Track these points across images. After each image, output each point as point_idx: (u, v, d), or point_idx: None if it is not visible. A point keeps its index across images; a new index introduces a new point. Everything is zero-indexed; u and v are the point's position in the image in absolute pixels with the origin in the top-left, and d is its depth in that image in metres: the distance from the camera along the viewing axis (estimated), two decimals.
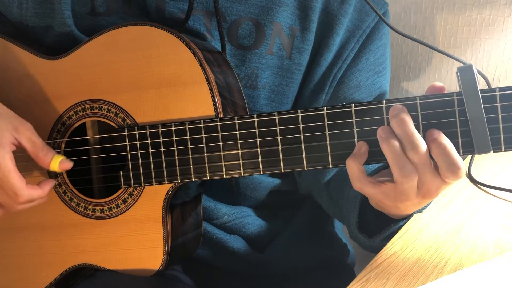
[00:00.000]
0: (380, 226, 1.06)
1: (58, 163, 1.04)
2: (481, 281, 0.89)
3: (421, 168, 0.87)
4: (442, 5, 1.57)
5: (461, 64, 0.91)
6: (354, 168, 0.91)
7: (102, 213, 1.11)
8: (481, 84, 0.87)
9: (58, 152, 1.09)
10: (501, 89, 0.84)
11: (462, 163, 0.86)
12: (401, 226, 1.07)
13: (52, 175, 1.13)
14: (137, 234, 1.09)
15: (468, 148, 0.87)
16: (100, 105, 1.09)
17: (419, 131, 0.88)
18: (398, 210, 0.99)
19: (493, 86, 1.22)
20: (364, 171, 0.92)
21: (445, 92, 0.90)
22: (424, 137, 0.87)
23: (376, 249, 1.11)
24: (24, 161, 1.06)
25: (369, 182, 0.92)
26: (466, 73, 0.85)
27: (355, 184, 0.93)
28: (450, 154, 0.85)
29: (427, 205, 1.10)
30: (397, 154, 0.87)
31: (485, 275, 0.90)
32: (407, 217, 1.06)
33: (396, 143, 0.87)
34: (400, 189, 0.90)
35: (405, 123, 0.86)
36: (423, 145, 0.86)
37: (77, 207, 1.12)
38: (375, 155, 0.92)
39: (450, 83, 1.59)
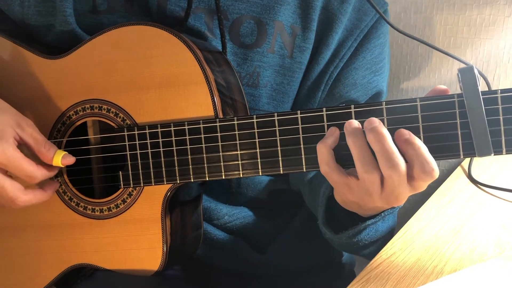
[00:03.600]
0: (348, 223, 1.05)
1: (61, 158, 1.05)
2: (481, 281, 0.89)
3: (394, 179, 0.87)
4: (442, 5, 1.57)
5: (462, 65, 0.91)
6: (324, 151, 0.91)
7: (102, 213, 1.11)
8: (481, 85, 0.86)
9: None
10: (503, 91, 0.84)
11: (435, 163, 0.85)
12: (371, 226, 1.05)
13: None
14: (136, 235, 1.09)
15: (469, 150, 0.86)
16: (100, 105, 1.09)
17: (419, 133, 0.88)
18: (362, 210, 1.00)
19: (493, 86, 1.23)
20: (333, 156, 0.91)
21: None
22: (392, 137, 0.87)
23: (347, 249, 1.14)
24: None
25: (336, 168, 0.91)
26: (467, 75, 0.84)
27: (322, 167, 0.92)
28: (424, 155, 0.84)
29: (398, 207, 1.08)
30: (363, 150, 0.87)
31: (485, 275, 0.91)
32: (376, 217, 1.03)
33: (362, 137, 0.87)
34: (363, 186, 0.89)
35: (383, 138, 0.85)
36: (402, 164, 0.85)
37: (76, 206, 1.12)
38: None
39: (450, 83, 1.59)
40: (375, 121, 0.87)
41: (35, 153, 1.05)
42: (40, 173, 1.04)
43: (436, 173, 0.85)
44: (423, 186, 0.89)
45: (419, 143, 0.85)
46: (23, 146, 1.04)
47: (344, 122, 0.90)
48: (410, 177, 0.87)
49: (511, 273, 0.91)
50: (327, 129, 0.92)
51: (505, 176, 1.35)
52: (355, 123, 0.88)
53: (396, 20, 1.64)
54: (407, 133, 0.86)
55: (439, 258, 1.00)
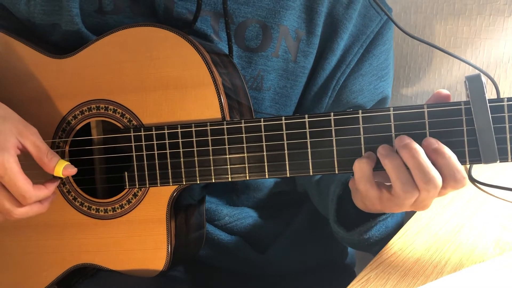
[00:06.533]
0: (359, 221, 1.06)
1: (62, 168, 1.03)
2: (481, 281, 0.89)
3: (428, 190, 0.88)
4: (442, 5, 1.57)
5: (463, 65, 0.91)
6: (366, 168, 0.91)
7: (106, 213, 1.11)
8: (489, 87, 0.87)
9: (63, 152, 1.10)
10: (510, 99, 0.84)
11: (464, 171, 0.86)
12: (381, 221, 1.07)
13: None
14: (140, 235, 1.09)
15: (474, 157, 0.87)
16: (106, 105, 1.09)
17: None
18: (383, 212, 1.01)
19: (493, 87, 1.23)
20: (372, 173, 0.92)
21: (451, 100, 0.90)
22: (420, 146, 0.88)
23: (358, 246, 1.13)
24: (29, 169, 1.05)
25: (375, 185, 0.92)
26: (474, 82, 0.85)
27: (362, 185, 0.92)
28: (455, 164, 0.86)
29: None
30: (401, 171, 0.88)
31: (485, 275, 0.91)
32: (386, 213, 1.05)
33: (398, 158, 0.88)
34: (397, 202, 0.90)
35: (417, 153, 0.86)
36: (438, 178, 0.86)
37: (81, 206, 1.12)
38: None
39: (450, 84, 1.60)
40: (406, 138, 0.88)
41: (37, 162, 1.04)
42: (34, 194, 1.01)
43: (467, 181, 0.87)
44: (449, 192, 0.90)
45: (448, 152, 0.86)
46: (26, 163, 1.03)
47: (351, 127, 0.92)
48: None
49: (511, 273, 0.91)
50: (335, 133, 0.93)
51: (505, 176, 1.36)
52: (387, 146, 0.90)
53: (396, 20, 1.63)
54: (435, 142, 0.87)
55: (439, 258, 1.00)
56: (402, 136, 0.89)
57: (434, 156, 0.87)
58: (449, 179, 0.86)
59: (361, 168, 0.91)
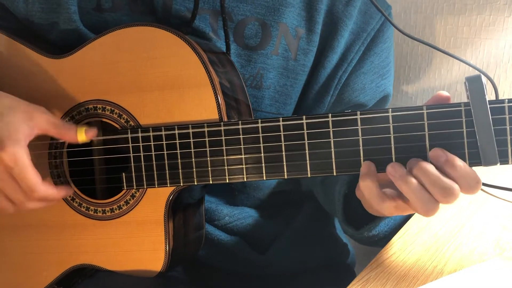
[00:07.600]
0: (366, 217, 1.06)
1: (84, 133, 1.04)
2: (481, 281, 0.89)
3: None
4: (442, 5, 1.57)
5: (463, 66, 0.91)
6: (372, 187, 0.89)
7: (104, 214, 1.10)
8: (488, 87, 0.86)
9: (61, 153, 1.11)
10: (510, 100, 0.83)
11: (476, 174, 0.85)
12: (387, 219, 1.08)
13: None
14: (138, 236, 1.09)
15: (474, 159, 0.86)
16: (104, 106, 1.08)
17: (425, 141, 0.87)
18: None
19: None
20: (378, 186, 0.90)
21: (451, 101, 0.89)
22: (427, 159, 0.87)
23: (369, 243, 1.12)
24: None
25: (387, 197, 0.90)
26: (474, 84, 0.84)
27: (375, 203, 0.91)
28: (468, 173, 0.85)
29: None
30: (420, 192, 0.86)
31: (485, 275, 0.91)
32: None
33: (414, 181, 0.86)
34: (414, 210, 0.90)
35: (429, 171, 0.85)
36: (456, 188, 0.85)
37: (79, 207, 1.12)
38: (381, 164, 0.91)
39: (450, 84, 1.60)
40: (416, 159, 0.87)
41: (57, 137, 1.05)
42: (43, 189, 1.01)
43: (481, 184, 0.86)
44: None
45: (459, 162, 0.85)
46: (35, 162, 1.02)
47: (350, 128, 0.91)
48: None
49: (511, 273, 0.91)
50: (333, 134, 0.92)
51: (505, 176, 1.36)
52: (397, 166, 0.88)
53: (396, 20, 1.64)
54: (442, 154, 0.85)
55: (439, 258, 1.00)
56: (411, 160, 0.88)
57: (446, 169, 0.86)
58: (465, 188, 0.85)
59: (368, 188, 0.90)
